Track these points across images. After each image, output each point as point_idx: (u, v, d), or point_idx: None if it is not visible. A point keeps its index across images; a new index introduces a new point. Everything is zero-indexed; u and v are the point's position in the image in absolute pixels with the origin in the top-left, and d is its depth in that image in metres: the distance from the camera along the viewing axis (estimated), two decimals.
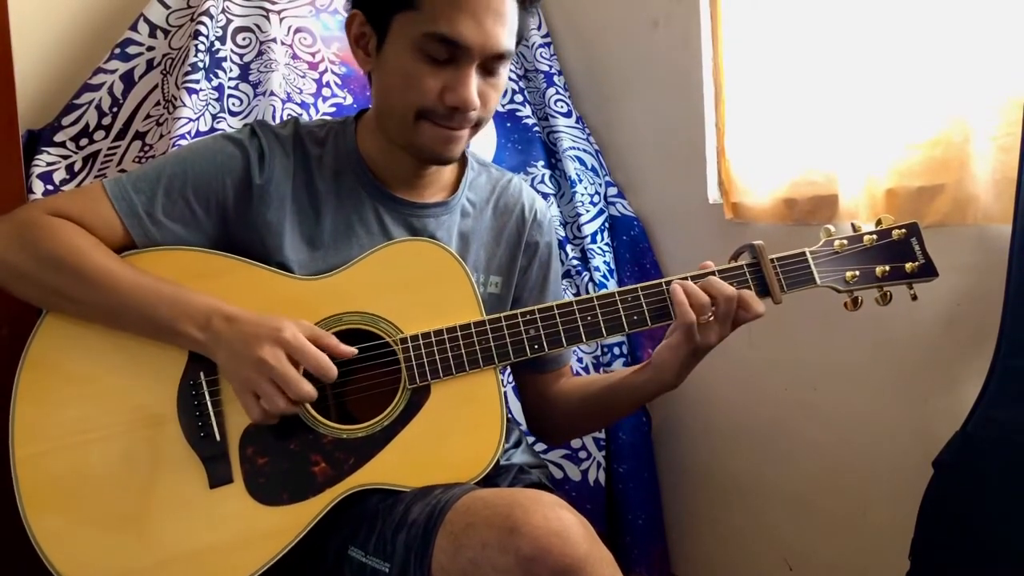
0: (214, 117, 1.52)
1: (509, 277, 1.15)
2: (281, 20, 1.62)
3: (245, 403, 0.90)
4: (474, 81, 0.95)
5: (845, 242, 1.05)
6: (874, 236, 1.05)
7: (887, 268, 1.04)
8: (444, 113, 0.96)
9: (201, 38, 1.51)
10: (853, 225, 1.07)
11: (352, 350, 0.93)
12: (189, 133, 1.46)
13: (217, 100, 1.53)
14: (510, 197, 1.16)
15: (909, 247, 1.05)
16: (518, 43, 1.01)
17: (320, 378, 0.90)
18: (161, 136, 1.49)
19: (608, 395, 1.11)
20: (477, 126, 1.01)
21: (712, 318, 0.98)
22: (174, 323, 0.92)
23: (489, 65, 0.97)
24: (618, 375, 1.11)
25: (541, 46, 1.89)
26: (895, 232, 1.05)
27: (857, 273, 1.04)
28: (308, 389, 0.89)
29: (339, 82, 1.66)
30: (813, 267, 1.04)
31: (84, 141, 1.52)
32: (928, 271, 1.05)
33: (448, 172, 1.12)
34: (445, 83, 0.95)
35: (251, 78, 1.58)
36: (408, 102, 0.96)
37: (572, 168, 1.78)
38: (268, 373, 0.88)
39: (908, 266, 1.04)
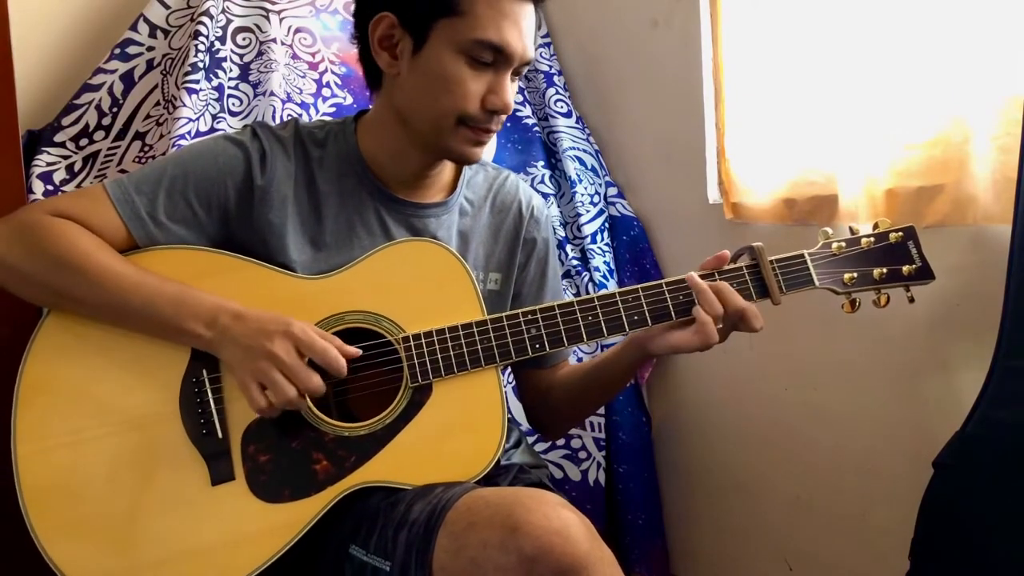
0: (214, 117, 1.52)
1: (508, 273, 1.16)
2: (281, 20, 1.62)
3: (250, 395, 0.91)
4: (510, 86, 1.00)
5: (843, 244, 1.06)
6: (871, 239, 1.06)
7: (884, 270, 1.05)
8: (483, 117, 0.99)
9: (201, 38, 1.51)
10: (851, 228, 1.08)
11: (356, 350, 0.94)
12: (189, 133, 1.46)
13: (217, 100, 1.53)
14: (507, 194, 1.17)
15: (906, 250, 1.06)
16: None
17: (330, 372, 0.91)
18: (161, 136, 1.49)
19: (599, 368, 1.13)
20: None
21: (721, 325, 0.99)
22: (179, 321, 0.92)
23: (518, 71, 1.01)
24: (605, 352, 1.14)
25: (541, 46, 1.89)
26: (892, 235, 1.06)
27: (855, 275, 1.05)
28: (317, 381, 0.90)
29: (339, 82, 1.66)
30: (812, 269, 1.04)
31: (84, 141, 1.52)
32: (925, 274, 1.05)
33: (447, 172, 1.13)
34: (488, 87, 0.98)
35: (251, 78, 1.58)
36: (449, 106, 0.98)
37: (572, 168, 1.78)
38: (278, 365, 0.89)
39: (905, 269, 1.05)
